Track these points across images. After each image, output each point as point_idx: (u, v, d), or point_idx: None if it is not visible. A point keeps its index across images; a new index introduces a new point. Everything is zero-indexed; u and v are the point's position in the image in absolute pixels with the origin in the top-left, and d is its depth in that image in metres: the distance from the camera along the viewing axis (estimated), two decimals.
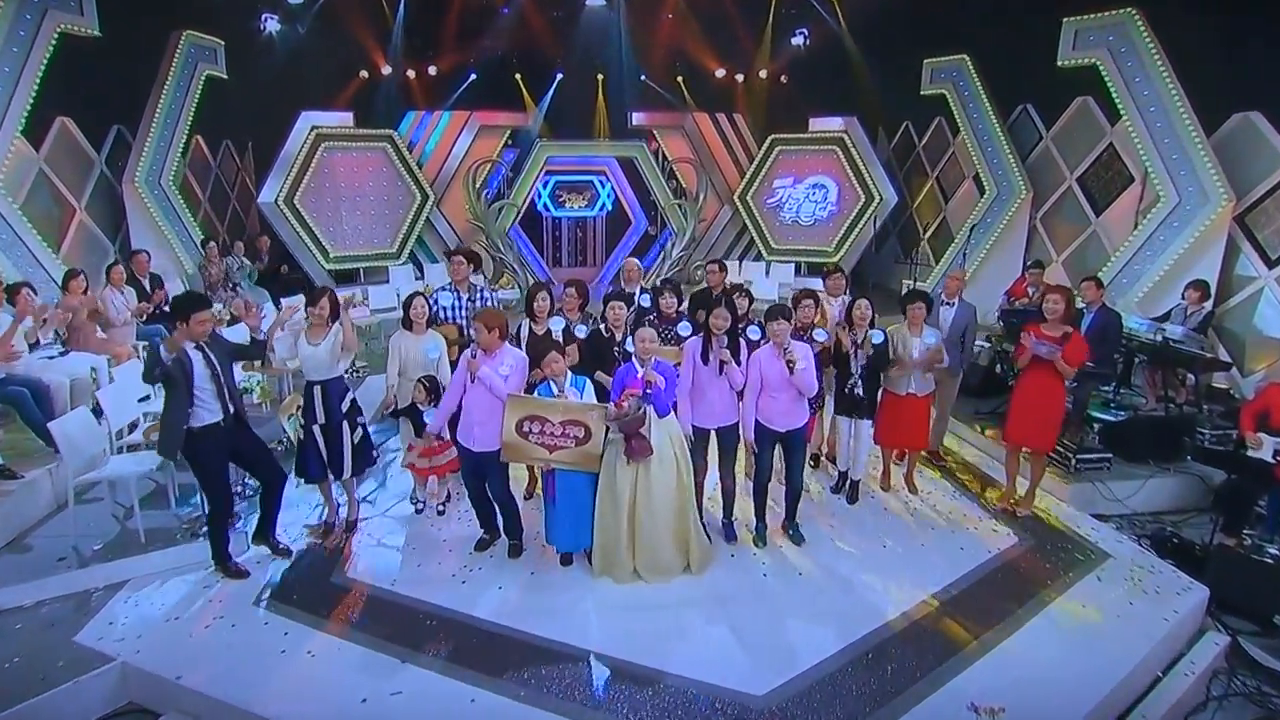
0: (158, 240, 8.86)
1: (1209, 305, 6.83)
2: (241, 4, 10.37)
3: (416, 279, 10.92)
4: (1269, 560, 4.40)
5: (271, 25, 10.60)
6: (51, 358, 5.65)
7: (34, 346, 5.60)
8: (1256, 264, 7.50)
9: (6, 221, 6.88)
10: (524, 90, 12.25)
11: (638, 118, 12.64)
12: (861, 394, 5.14)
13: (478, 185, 11.28)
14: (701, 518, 4.56)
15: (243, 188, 12.01)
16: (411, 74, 11.89)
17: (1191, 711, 3.76)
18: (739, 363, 4.44)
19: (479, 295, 5.50)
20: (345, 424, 4.72)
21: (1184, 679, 3.82)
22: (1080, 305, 5.95)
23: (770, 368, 4.46)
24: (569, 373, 4.39)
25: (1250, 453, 4.86)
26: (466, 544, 4.71)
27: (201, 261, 8.87)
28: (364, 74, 11.65)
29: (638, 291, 5.64)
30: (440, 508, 5.19)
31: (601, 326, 4.95)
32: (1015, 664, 3.67)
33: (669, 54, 12.52)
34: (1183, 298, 6.85)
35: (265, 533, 4.63)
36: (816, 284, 7.12)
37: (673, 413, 4.36)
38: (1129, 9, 8.05)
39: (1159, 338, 6.17)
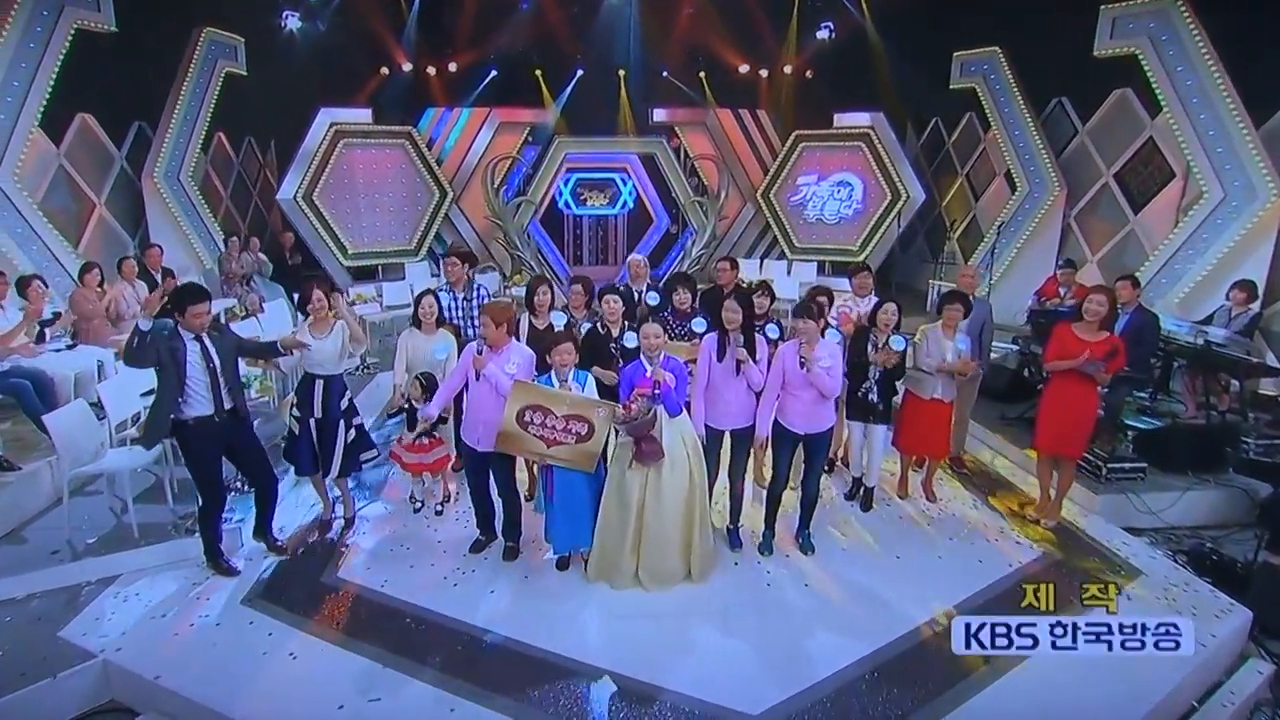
0: (176, 235, 8.95)
1: (1256, 307, 6.45)
2: (261, 1, 10.43)
3: (433, 275, 10.88)
4: None
5: (292, 22, 10.64)
6: (58, 350, 5.66)
7: (41, 339, 5.61)
8: None
9: (22, 216, 6.96)
10: (543, 86, 12.14)
11: (659, 114, 12.48)
12: (876, 399, 4.90)
13: (496, 183, 11.21)
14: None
15: (265, 184, 12.11)
16: (431, 70, 11.86)
17: None
18: (756, 361, 4.23)
19: (476, 294, 5.39)
20: (342, 422, 4.63)
21: (1223, 709, 3.52)
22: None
23: (794, 363, 4.24)
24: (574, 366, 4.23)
25: None
26: (462, 545, 4.58)
27: (221, 256, 8.91)
28: (385, 71, 11.65)
29: (644, 289, 5.47)
30: (438, 507, 5.07)
31: (597, 322, 4.78)
32: (1034, 689, 3.40)
33: (691, 50, 12.31)
34: (1227, 299, 6.49)
35: (263, 529, 4.56)
36: (840, 283, 6.91)
37: (685, 412, 4.17)
38: None
39: (1200, 340, 5.83)
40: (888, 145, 11.32)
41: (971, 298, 5.42)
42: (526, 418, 4.01)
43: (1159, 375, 6.54)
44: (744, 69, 12.51)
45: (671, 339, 4.81)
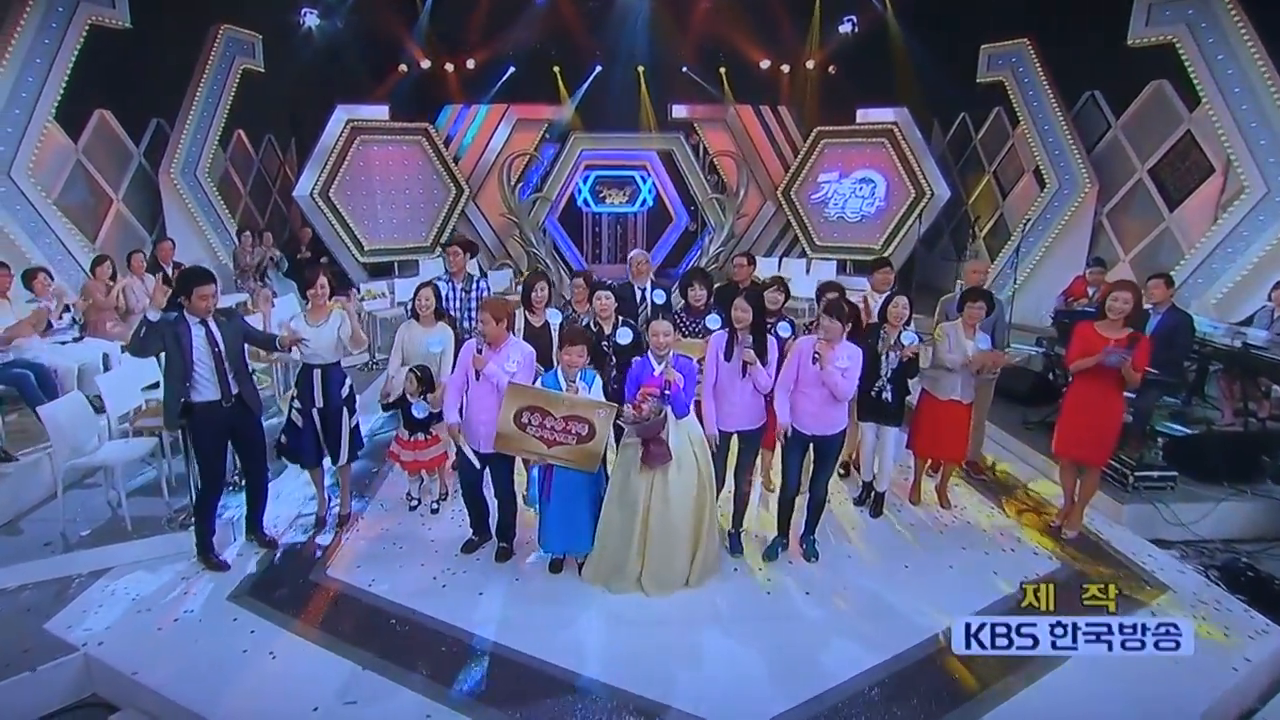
0: (193, 231, 9.02)
1: None
2: None
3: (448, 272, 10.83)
4: None
5: (311, 19, 10.68)
6: (64, 343, 5.69)
7: (46, 330, 5.63)
8: None
9: (35, 210, 7.03)
10: (560, 83, 12.07)
11: (678, 110, 12.31)
12: (889, 399, 4.70)
13: (513, 180, 11.15)
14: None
15: (285, 181, 12.19)
16: (450, 67, 11.84)
17: None
18: (765, 362, 4.06)
19: (475, 287, 5.29)
20: (344, 409, 4.58)
21: None
22: (1146, 306, 5.35)
23: (810, 358, 4.05)
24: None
25: None
26: (455, 545, 4.47)
27: (235, 251, 8.95)
28: (403, 68, 11.66)
29: (648, 287, 5.33)
30: (434, 505, 4.98)
31: (590, 319, 4.66)
32: (1046, 711, 3.19)
33: (712, 45, 12.14)
34: (1269, 299, 6.16)
35: (254, 525, 4.51)
36: (860, 283, 6.70)
37: (692, 412, 4.02)
38: None
39: (1238, 343, 5.50)
40: (912, 141, 11.02)
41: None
42: (524, 419, 3.89)
43: (1193, 379, 6.21)
44: (765, 64, 12.30)
45: (685, 336, 4.68)
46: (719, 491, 4.27)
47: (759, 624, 3.81)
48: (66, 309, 5.79)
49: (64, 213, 7.38)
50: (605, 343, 4.49)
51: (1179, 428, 5.56)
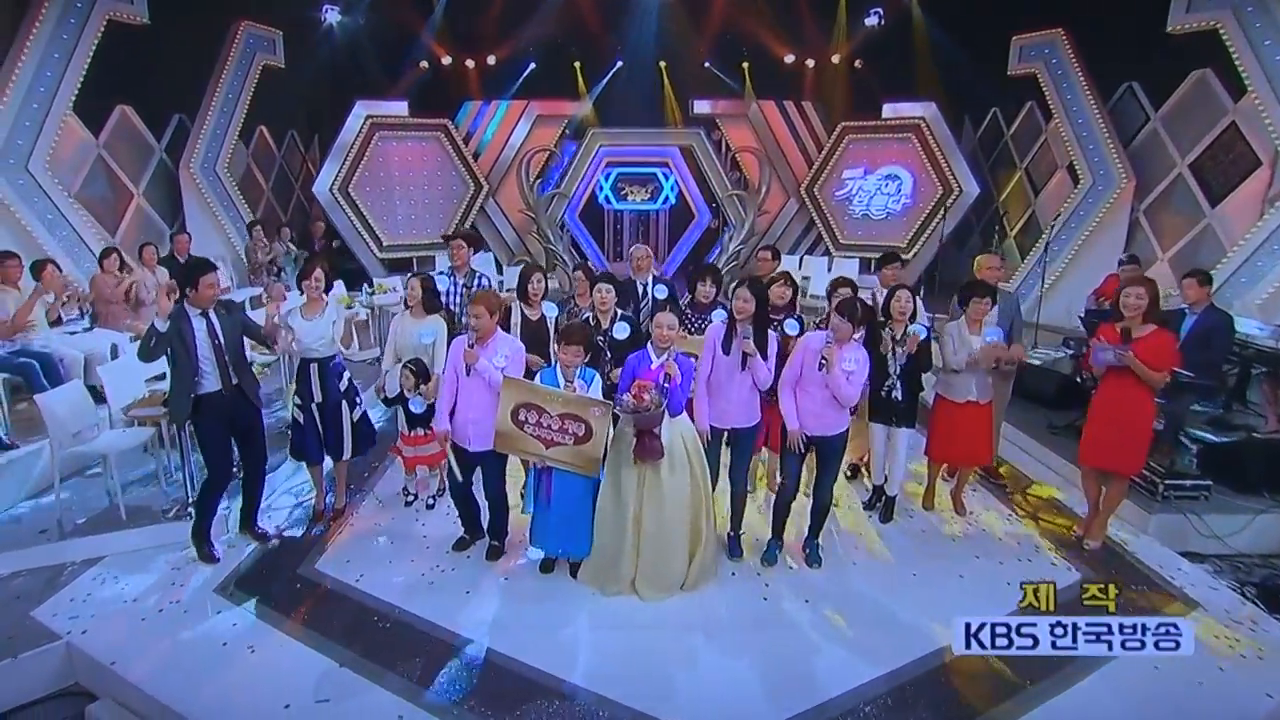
0: (212, 225, 9.11)
1: None
2: None
3: None
4: None
5: (332, 16, 10.74)
6: (74, 333, 5.73)
7: (57, 322, 5.68)
8: None
9: (52, 202, 7.13)
10: (580, 79, 11.98)
11: (700, 105, 12.16)
12: (900, 398, 4.48)
13: (533, 176, 11.08)
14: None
15: (307, 177, 12.28)
16: (470, 64, 11.83)
17: None
18: (765, 357, 3.89)
19: (476, 280, 5.20)
20: (344, 403, 4.52)
21: None
22: (1182, 306, 5.04)
23: (815, 355, 3.89)
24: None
25: None
26: (446, 542, 4.37)
27: (248, 246, 9.01)
28: (424, 64, 11.68)
29: (650, 282, 5.19)
30: (430, 500, 4.90)
31: (589, 313, 4.52)
32: None
33: (735, 39, 11.95)
34: None
35: (248, 518, 4.46)
36: (874, 280, 6.48)
37: (685, 412, 3.87)
38: None
39: None
40: (940, 136, 10.70)
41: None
42: (521, 416, 3.77)
43: (1235, 384, 5.85)
44: (789, 59, 12.07)
45: (690, 333, 4.52)
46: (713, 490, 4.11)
47: (755, 632, 3.64)
48: (78, 303, 5.84)
49: (85, 206, 7.50)
50: (601, 337, 4.34)
51: (1218, 434, 5.21)
